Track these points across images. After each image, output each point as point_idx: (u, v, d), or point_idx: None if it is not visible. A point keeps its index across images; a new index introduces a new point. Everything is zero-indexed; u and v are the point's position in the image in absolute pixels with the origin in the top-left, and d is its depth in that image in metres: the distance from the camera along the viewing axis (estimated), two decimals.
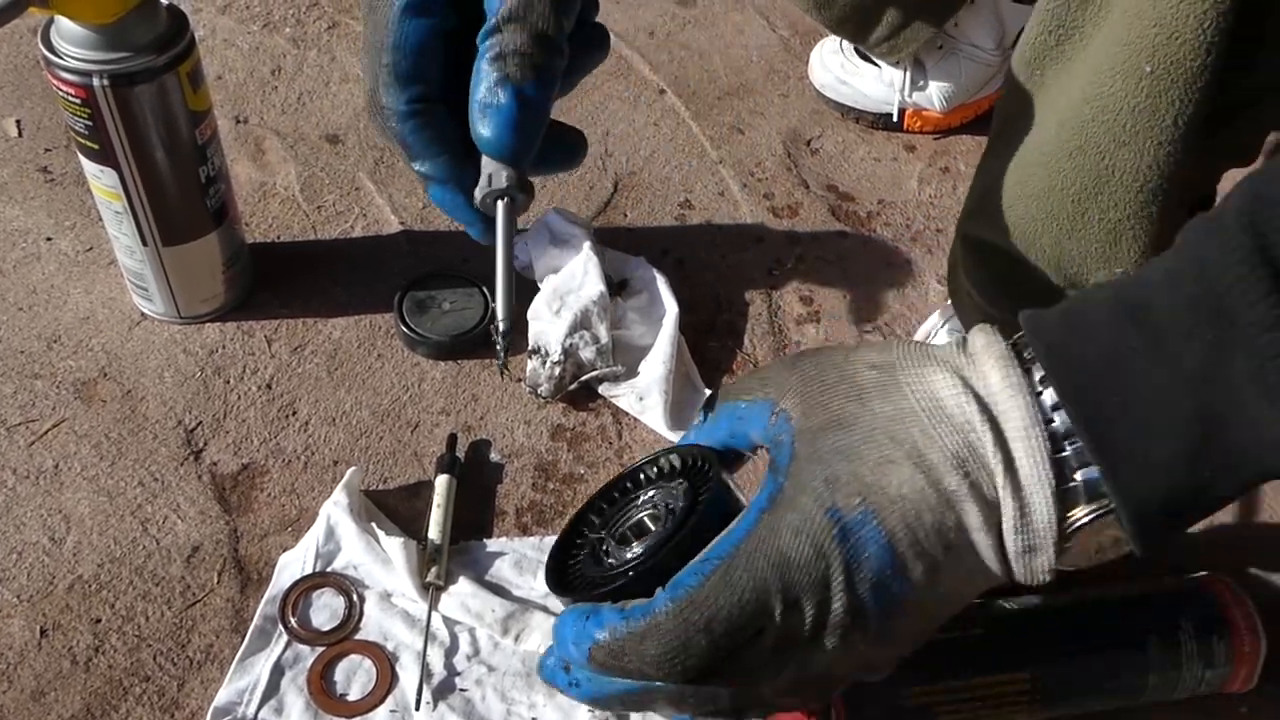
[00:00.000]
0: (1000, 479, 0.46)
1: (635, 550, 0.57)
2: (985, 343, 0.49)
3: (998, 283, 0.88)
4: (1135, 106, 0.65)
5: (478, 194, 0.58)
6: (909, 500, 0.46)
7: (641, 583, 0.53)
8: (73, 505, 0.93)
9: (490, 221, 0.59)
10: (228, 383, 1.04)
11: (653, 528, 0.59)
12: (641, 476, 0.63)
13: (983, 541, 0.47)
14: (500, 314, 0.60)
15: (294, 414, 1.02)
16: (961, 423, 0.47)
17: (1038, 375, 0.48)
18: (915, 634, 0.51)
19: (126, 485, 0.95)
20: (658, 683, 0.49)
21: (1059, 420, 0.47)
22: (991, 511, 0.47)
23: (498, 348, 0.64)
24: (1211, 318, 0.43)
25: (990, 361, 0.48)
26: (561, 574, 0.62)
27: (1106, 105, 0.66)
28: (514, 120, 0.52)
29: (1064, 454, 0.47)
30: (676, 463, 0.61)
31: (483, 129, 0.53)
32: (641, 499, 0.62)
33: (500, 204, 0.58)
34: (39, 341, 1.05)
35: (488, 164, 0.57)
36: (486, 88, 0.52)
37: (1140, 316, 0.45)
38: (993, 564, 0.48)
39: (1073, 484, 0.47)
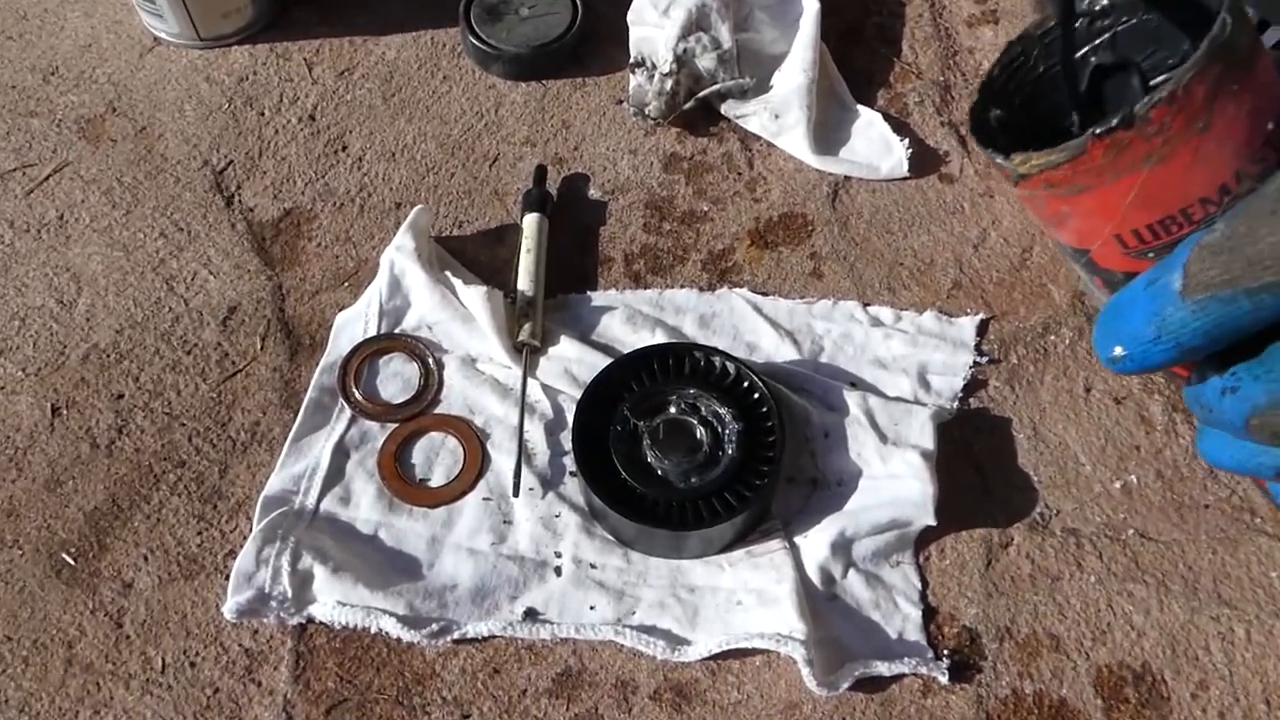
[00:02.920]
0: None
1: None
2: None
3: None
4: None
5: None
6: None
7: None
8: (82, 262, 0.75)
9: None
10: (262, 115, 0.84)
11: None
12: None
13: None
14: None
15: (344, 149, 0.82)
16: None
17: None
18: None
19: (146, 237, 0.77)
20: None
21: None
22: None
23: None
24: None
25: None
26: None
27: None
28: None
29: None
30: None
31: None
32: None
33: None
34: (33, 74, 0.86)
35: None
36: None
37: None
38: None
39: None
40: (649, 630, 0.62)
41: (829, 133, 0.83)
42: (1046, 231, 0.45)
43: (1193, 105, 0.40)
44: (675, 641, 0.61)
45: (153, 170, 0.80)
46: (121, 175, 0.80)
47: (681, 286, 0.75)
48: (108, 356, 0.72)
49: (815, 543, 0.64)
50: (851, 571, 0.63)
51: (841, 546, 0.63)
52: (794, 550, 0.64)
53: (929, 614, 0.63)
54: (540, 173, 0.79)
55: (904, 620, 0.62)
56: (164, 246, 0.77)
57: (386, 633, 0.61)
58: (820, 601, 0.62)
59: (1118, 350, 0.38)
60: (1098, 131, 0.41)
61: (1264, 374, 0.31)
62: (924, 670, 0.60)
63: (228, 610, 0.61)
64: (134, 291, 0.74)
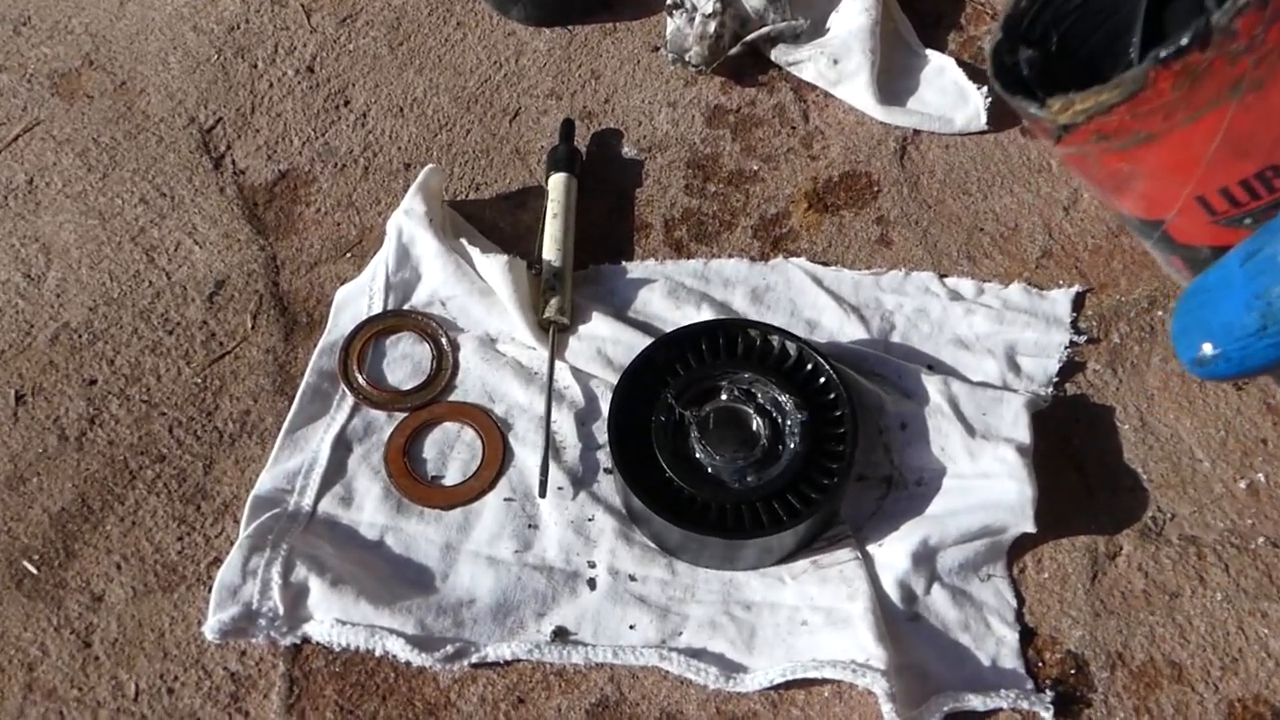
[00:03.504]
0: None
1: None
2: None
3: None
4: None
5: None
6: None
7: None
8: (53, 231, 0.67)
9: None
10: (255, 67, 0.75)
11: None
12: None
13: None
14: None
15: (346, 104, 0.73)
16: None
17: None
18: None
19: (124, 204, 0.68)
20: None
21: None
22: None
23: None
24: None
25: None
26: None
27: None
28: None
29: None
30: None
31: None
32: None
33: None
34: (2, 25, 0.78)
35: None
36: None
37: None
38: None
39: None
40: (698, 654, 0.53)
41: (895, 81, 0.73)
42: (1103, 201, 0.36)
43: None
44: (729, 668, 0.52)
45: (133, 129, 0.72)
46: (98, 135, 0.72)
47: (730, 256, 0.66)
48: (79, 337, 0.63)
49: (892, 553, 0.55)
50: (935, 587, 0.54)
51: (924, 557, 0.54)
52: (867, 561, 0.55)
53: (1026, 636, 0.54)
54: (567, 128, 0.70)
55: (998, 644, 0.53)
56: (144, 214, 0.68)
57: (394, 655, 0.53)
58: (900, 622, 0.53)
59: (1207, 348, 0.30)
60: (1163, 55, 0.31)
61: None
62: (1024, 704, 0.51)
63: (209, 630, 0.53)
64: (110, 264, 0.66)
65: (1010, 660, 0.53)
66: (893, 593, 0.54)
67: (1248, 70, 0.31)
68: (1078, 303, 0.64)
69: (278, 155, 0.71)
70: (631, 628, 0.54)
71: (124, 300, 0.65)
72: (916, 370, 0.60)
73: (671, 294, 0.64)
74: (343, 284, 0.65)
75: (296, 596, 0.53)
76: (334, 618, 0.53)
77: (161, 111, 0.73)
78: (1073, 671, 0.53)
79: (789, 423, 0.56)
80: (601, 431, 0.59)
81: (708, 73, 0.74)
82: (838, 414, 0.56)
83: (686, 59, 0.74)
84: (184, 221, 0.68)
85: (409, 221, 0.64)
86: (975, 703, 0.51)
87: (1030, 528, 0.54)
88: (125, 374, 0.62)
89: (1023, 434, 0.57)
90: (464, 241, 0.64)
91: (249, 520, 0.56)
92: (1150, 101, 0.32)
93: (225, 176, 0.70)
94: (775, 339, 0.58)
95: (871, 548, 0.55)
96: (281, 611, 0.53)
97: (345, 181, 0.70)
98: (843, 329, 0.63)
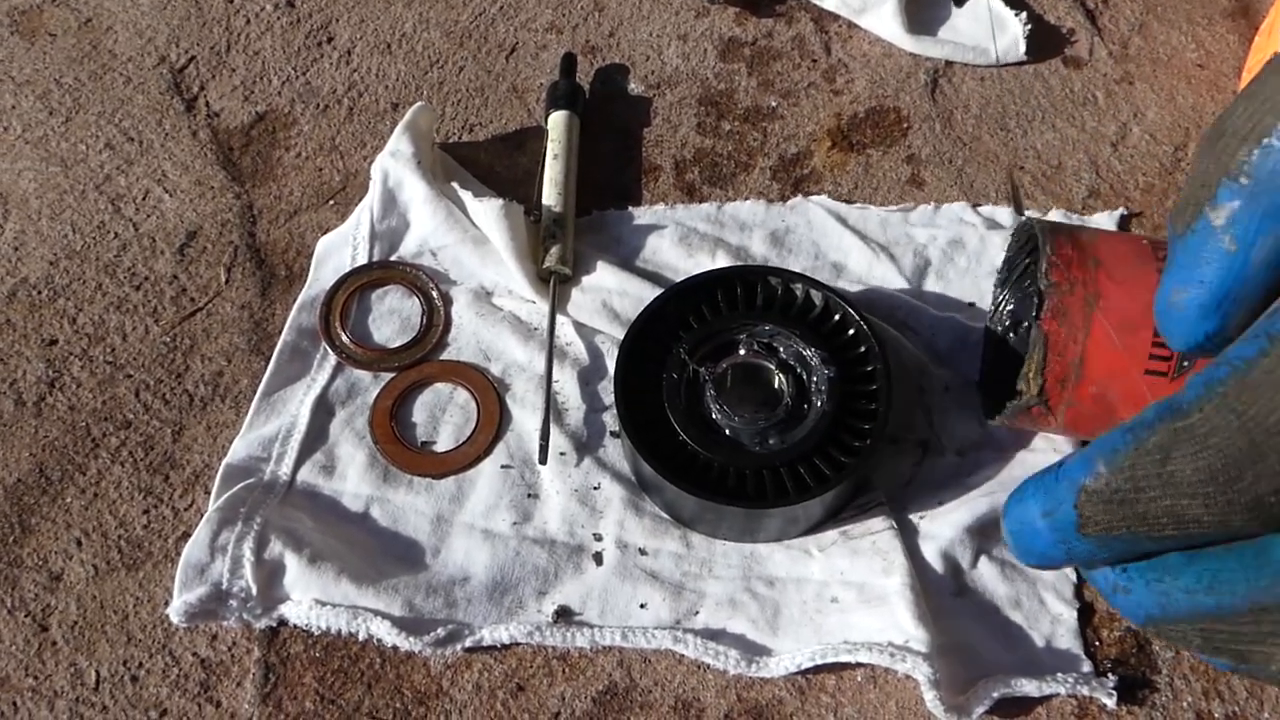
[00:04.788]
0: None
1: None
2: None
3: None
4: None
5: None
6: None
7: None
8: (11, 180, 0.62)
9: None
10: (231, 2, 0.70)
11: None
12: None
13: None
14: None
15: (330, 40, 0.67)
16: None
17: None
18: None
19: (88, 149, 0.63)
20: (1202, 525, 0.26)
21: None
22: None
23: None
24: None
25: None
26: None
27: None
28: None
29: None
30: None
31: None
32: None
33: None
34: None
35: None
36: None
37: None
38: None
39: None
40: (716, 635, 0.47)
41: (924, 8, 0.67)
42: None
43: (1061, 377, 0.43)
44: (751, 651, 0.47)
45: (98, 69, 0.66)
46: (61, 76, 0.66)
47: (746, 199, 0.60)
48: (39, 294, 0.58)
49: (933, 522, 0.49)
50: (983, 560, 0.49)
51: (970, 527, 0.49)
52: (903, 531, 0.49)
53: (1084, 614, 0.48)
54: (569, 63, 0.64)
55: (1053, 623, 0.48)
56: (110, 160, 0.63)
57: (379, 639, 0.47)
58: (943, 599, 0.48)
59: (1035, 567, 0.34)
60: (994, 422, 0.47)
61: (1155, 580, 0.28)
62: (1082, 690, 0.46)
63: (174, 612, 0.47)
64: (72, 214, 0.61)
65: (1067, 640, 0.47)
66: (935, 566, 0.48)
67: (1052, 418, 0.45)
68: (1123, 226, 0.58)
69: (255, 96, 0.65)
70: (642, 606, 0.49)
71: (87, 253, 0.59)
72: (955, 319, 0.54)
73: (683, 240, 0.58)
74: (324, 233, 0.59)
75: (271, 575, 0.48)
76: (313, 598, 0.48)
77: (129, 50, 0.67)
78: (1134, 652, 0.48)
79: (815, 379, 0.50)
80: (607, 391, 0.54)
81: (721, 2, 0.68)
82: (869, 369, 0.51)
83: None
84: (153, 168, 0.62)
85: (395, 164, 0.58)
86: (1028, 688, 0.45)
87: None
88: (88, 333, 0.57)
89: None
90: (455, 185, 0.58)
91: (220, 491, 0.50)
92: (1022, 425, 0.47)
93: (198, 119, 0.64)
94: (798, 287, 0.53)
95: (912, 517, 0.50)
96: (254, 591, 0.48)
97: (328, 123, 0.64)
98: (872, 269, 0.57)
